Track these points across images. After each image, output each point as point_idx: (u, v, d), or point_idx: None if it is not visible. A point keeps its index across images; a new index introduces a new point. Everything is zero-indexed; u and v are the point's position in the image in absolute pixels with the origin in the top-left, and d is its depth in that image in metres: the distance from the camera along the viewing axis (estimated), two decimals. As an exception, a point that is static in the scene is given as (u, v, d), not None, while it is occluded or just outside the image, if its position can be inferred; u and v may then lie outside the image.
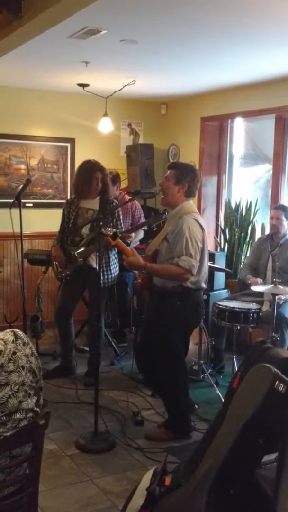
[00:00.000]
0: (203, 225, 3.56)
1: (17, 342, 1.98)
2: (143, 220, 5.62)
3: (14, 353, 1.95)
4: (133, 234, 4.60)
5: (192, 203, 3.68)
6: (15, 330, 2.04)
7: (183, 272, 3.43)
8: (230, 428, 2.23)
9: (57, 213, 5.02)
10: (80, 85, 5.74)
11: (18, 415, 1.93)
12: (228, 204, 6.15)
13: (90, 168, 4.63)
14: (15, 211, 4.47)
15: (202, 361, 4.55)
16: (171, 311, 3.54)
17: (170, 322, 3.55)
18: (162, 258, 3.57)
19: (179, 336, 3.60)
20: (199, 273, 3.53)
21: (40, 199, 6.30)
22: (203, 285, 3.63)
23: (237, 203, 6.01)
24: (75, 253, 4.52)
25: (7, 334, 1.99)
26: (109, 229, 3.73)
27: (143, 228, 5.59)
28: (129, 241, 4.57)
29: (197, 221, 3.52)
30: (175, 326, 3.56)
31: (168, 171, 3.65)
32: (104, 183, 4.64)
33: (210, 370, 4.60)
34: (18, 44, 3.90)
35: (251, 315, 4.38)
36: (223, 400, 4.11)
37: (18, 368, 1.94)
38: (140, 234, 5.62)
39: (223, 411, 2.39)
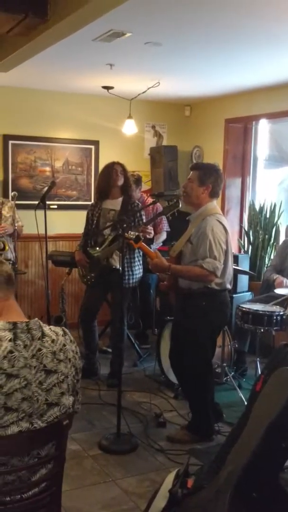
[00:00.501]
0: (226, 226, 3.55)
1: (66, 337, 2.03)
2: (164, 223, 5.62)
3: (64, 345, 1.99)
4: (151, 229, 4.59)
5: (215, 204, 3.67)
6: (63, 327, 2.09)
7: (207, 274, 3.43)
8: (253, 432, 2.22)
9: (81, 215, 5.05)
10: (104, 87, 5.78)
11: (55, 409, 1.95)
12: (252, 206, 6.12)
13: (109, 164, 4.74)
14: (40, 213, 4.53)
15: (225, 364, 4.53)
16: (197, 312, 3.54)
17: (196, 323, 3.55)
18: (186, 260, 3.57)
19: (205, 337, 3.60)
20: (224, 275, 3.52)
21: (65, 201, 6.35)
22: (228, 286, 3.62)
23: (261, 205, 5.97)
24: (97, 254, 4.55)
25: (57, 328, 2.05)
26: (131, 232, 3.73)
27: (166, 230, 5.60)
28: (148, 237, 4.55)
29: (221, 223, 3.51)
30: (201, 327, 3.56)
31: (191, 172, 3.64)
32: (125, 178, 4.67)
33: (233, 373, 4.58)
34: (44, 47, 3.94)
35: (275, 318, 4.34)
36: (246, 403, 4.10)
37: (66, 359, 1.98)
38: (163, 236, 5.62)
39: (246, 414, 2.38)
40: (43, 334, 1.94)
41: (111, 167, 4.67)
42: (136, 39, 4.03)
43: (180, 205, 3.81)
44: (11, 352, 1.85)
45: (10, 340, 1.86)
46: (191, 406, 3.81)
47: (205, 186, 3.55)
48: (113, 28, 3.79)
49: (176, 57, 4.56)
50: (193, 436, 3.69)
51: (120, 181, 4.63)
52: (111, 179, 4.63)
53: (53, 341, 1.95)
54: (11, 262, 5.42)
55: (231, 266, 3.59)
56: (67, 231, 6.18)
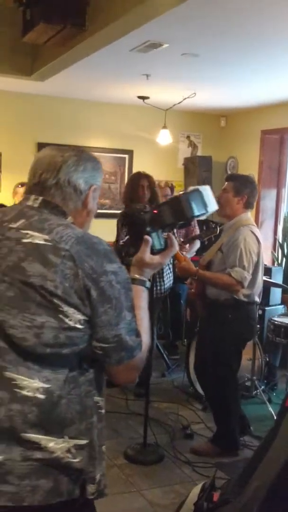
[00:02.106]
0: (259, 238, 3.51)
1: None
2: (197, 231, 5.59)
3: None
4: (187, 246, 4.57)
5: (249, 215, 3.64)
6: None
7: (234, 283, 3.38)
8: (281, 448, 2.17)
9: (113, 223, 5.07)
10: (140, 97, 5.81)
11: None
12: (286, 218, 6.05)
13: (137, 177, 4.67)
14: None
15: (255, 377, 4.46)
16: (222, 323, 3.51)
17: (221, 334, 3.52)
18: (215, 268, 3.54)
19: (230, 348, 3.55)
20: (252, 286, 3.47)
21: (98, 209, 6.37)
22: (257, 299, 3.57)
23: (296, 218, 5.91)
24: (128, 262, 4.54)
25: None
26: None
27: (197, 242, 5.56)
28: (184, 252, 4.54)
29: (254, 234, 3.47)
30: (226, 338, 3.52)
31: (226, 183, 3.62)
32: (152, 191, 4.64)
33: (263, 387, 4.51)
34: (81, 57, 3.99)
35: (307, 332, 4.28)
36: (275, 417, 4.03)
37: None
38: (197, 245, 5.59)
39: (274, 429, 2.33)
40: None
41: (137, 182, 4.51)
42: (173, 50, 4.04)
43: (218, 231, 3.78)
44: None
45: None
46: (215, 418, 3.77)
47: (240, 196, 3.51)
48: (150, 39, 3.82)
49: (213, 67, 4.55)
50: (218, 449, 3.64)
51: (147, 197, 4.50)
52: (137, 194, 4.57)
53: None
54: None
55: (261, 278, 3.54)
56: (99, 239, 6.20)
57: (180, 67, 4.57)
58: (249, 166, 6.45)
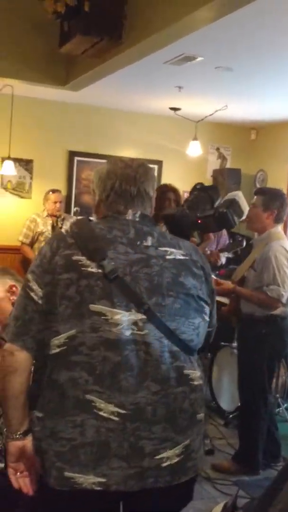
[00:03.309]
0: None
1: None
2: (227, 241, 5.56)
3: None
4: (222, 258, 4.53)
5: (280, 229, 3.61)
6: None
7: (272, 301, 3.38)
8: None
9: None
10: (172, 108, 5.82)
11: None
12: (314, 234, 5.98)
13: (164, 189, 4.63)
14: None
15: (278, 395, 4.41)
16: (256, 338, 3.49)
17: (254, 349, 3.50)
18: (250, 286, 3.53)
19: (262, 364, 3.52)
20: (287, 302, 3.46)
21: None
22: None
23: None
24: None
25: None
26: None
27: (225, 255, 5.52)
28: (218, 264, 4.49)
29: (285, 248, 3.44)
30: (259, 353, 3.49)
31: (255, 198, 3.58)
32: (177, 205, 4.61)
33: (286, 405, 4.46)
34: (116, 69, 4.02)
35: None
36: (298, 437, 3.98)
37: None
38: (222, 260, 5.56)
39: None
40: None
41: (164, 194, 4.38)
42: (207, 63, 4.05)
43: (244, 244, 3.75)
44: None
45: None
46: (240, 434, 3.73)
47: (270, 211, 3.48)
48: (184, 52, 3.83)
49: (246, 81, 4.55)
50: (237, 466, 3.60)
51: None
52: (162, 206, 4.52)
53: None
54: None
55: None
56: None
57: (213, 80, 4.57)
58: (279, 180, 6.40)
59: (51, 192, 5.59)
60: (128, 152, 6.38)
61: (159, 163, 6.51)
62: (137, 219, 1.66)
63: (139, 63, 3.92)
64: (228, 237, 5.50)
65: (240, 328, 3.74)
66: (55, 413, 1.55)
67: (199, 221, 2.08)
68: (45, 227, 5.54)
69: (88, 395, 1.53)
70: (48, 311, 1.56)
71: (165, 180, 6.44)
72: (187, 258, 1.66)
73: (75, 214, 5.60)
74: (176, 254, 1.64)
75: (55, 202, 5.54)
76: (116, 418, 1.53)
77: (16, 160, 5.79)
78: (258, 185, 6.79)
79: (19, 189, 6.01)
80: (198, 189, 2.76)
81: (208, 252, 5.16)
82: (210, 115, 5.74)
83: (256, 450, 3.61)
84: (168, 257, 1.62)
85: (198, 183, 2.95)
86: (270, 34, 3.35)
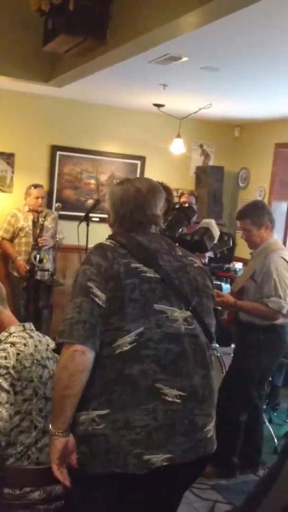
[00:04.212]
0: None
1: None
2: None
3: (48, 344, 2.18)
4: (206, 257, 4.54)
5: (276, 237, 3.62)
6: None
7: (272, 312, 3.39)
8: (285, 485, 2.14)
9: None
10: (155, 105, 5.77)
11: None
12: (296, 234, 6.01)
13: None
14: (82, 225, 4.55)
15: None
16: (253, 344, 3.51)
17: (250, 355, 3.51)
18: (251, 297, 3.53)
19: (255, 370, 3.52)
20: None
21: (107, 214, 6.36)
22: None
23: (306, 234, 5.87)
24: None
25: None
26: None
27: (208, 254, 5.54)
28: (202, 263, 4.50)
29: (285, 259, 3.44)
30: (254, 359, 3.50)
31: (240, 222, 3.59)
32: (169, 203, 4.59)
33: (264, 406, 4.49)
34: (100, 68, 3.96)
35: (313, 353, 4.23)
36: (275, 439, 4.01)
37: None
38: (206, 259, 5.57)
39: (280, 462, 2.30)
40: (42, 334, 2.19)
41: None
42: (192, 63, 4.00)
43: (231, 244, 3.74)
44: (36, 346, 2.04)
45: (30, 337, 2.06)
46: (218, 434, 3.73)
47: (264, 226, 3.50)
48: (170, 52, 3.78)
49: (231, 81, 4.51)
50: (214, 469, 3.58)
51: (164, 209, 4.48)
52: None
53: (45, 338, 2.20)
54: (49, 272, 5.46)
55: None
56: (107, 244, 6.18)
57: (198, 80, 4.53)
58: (261, 178, 6.42)
59: (32, 187, 5.52)
60: (111, 147, 6.34)
61: (142, 159, 6.47)
62: (159, 233, 1.99)
63: (124, 62, 3.87)
64: None
65: (238, 334, 3.74)
66: (128, 405, 1.74)
67: (177, 244, 2.26)
68: (25, 222, 5.48)
69: (157, 383, 1.77)
70: (112, 313, 1.76)
71: (148, 176, 6.39)
72: (201, 266, 2.01)
73: (56, 209, 5.53)
74: (197, 262, 1.99)
75: (37, 198, 5.48)
76: (178, 400, 1.78)
77: (-2, 154, 5.71)
78: (240, 183, 6.80)
79: (0, 183, 5.93)
80: (177, 209, 3.04)
81: None
82: (194, 112, 5.70)
83: (231, 453, 3.62)
84: (195, 265, 1.98)
85: (176, 203, 3.16)
86: (256, 37, 3.32)
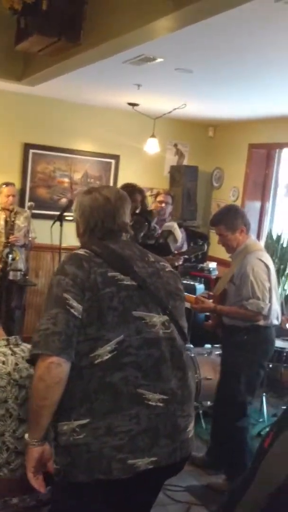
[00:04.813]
0: (268, 263, 3.47)
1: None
2: (185, 247, 5.55)
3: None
4: (180, 259, 4.53)
5: (254, 238, 3.63)
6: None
7: (252, 314, 3.40)
8: (257, 495, 2.15)
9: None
10: (130, 104, 5.75)
11: None
12: (269, 234, 6.05)
13: (130, 190, 4.55)
14: (55, 224, 4.52)
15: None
16: (237, 344, 3.51)
17: (235, 355, 3.52)
18: (231, 300, 3.52)
19: (243, 370, 3.51)
20: (269, 311, 3.45)
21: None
22: (275, 322, 3.55)
23: (279, 234, 5.91)
24: None
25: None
26: None
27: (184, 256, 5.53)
28: (175, 265, 4.48)
29: (261, 260, 3.44)
30: (240, 360, 3.50)
31: (215, 228, 3.59)
32: (142, 205, 4.58)
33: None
34: (74, 68, 3.92)
35: (285, 354, 4.29)
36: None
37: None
38: (179, 261, 5.55)
39: (252, 471, 2.32)
40: (28, 349, 2.08)
41: (131, 196, 4.33)
42: (166, 64, 3.99)
43: (205, 249, 3.76)
44: (16, 364, 1.97)
45: (11, 354, 1.98)
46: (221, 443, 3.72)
47: (238, 229, 3.49)
48: (144, 53, 3.75)
49: (205, 83, 4.52)
50: (228, 481, 3.54)
51: (137, 210, 4.42)
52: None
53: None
54: (22, 272, 5.41)
55: (275, 302, 3.51)
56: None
57: (172, 81, 4.51)
58: (235, 178, 6.45)
59: (4, 186, 5.44)
60: (85, 145, 6.29)
61: (116, 157, 6.44)
62: (129, 240, 2.02)
63: (98, 63, 3.83)
64: (187, 240, 5.48)
65: (223, 337, 3.73)
66: (110, 412, 1.76)
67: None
68: (-2, 221, 5.41)
69: (139, 389, 1.80)
70: (89, 323, 1.77)
71: (122, 175, 6.40)
72: (172, 269, 2.07)
73: (29, 208, 5.47)
74: (168, 267, 2.05)
75: (8, 196, 5.41)
76: (161, 404, 1.82)
77: None
78: (214, 183, 6.83)
79: (-28, 182, 5.82)
80: (136, 214, 3.15)
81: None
82: (169, 112, 5.70)
83: (243, 459, 3.51)
84: (166, 269, 2.02)
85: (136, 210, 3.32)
86: (231, 40, 3.32)
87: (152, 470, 1.79)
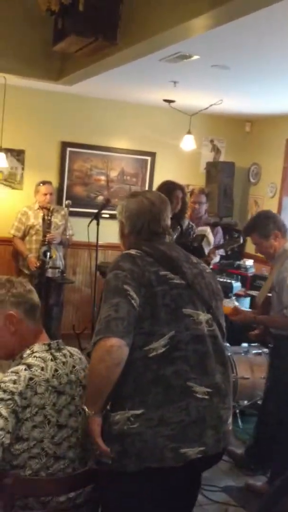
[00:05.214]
0: None
1: (83, 356, 2.13)
2: (221, 241, 5.51)
3: (86, 363, 2.07)
4: (217, 255, 4.49)
5: None
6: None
7: None
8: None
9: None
10: (166, 100, 5.73)
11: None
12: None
13: (171, 187, 4.50)
14: (92, 222, 4.56)
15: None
16: (281, 355, 3.43)
17: (282, 368, 3.43)
18: (275, 308, 3.39)
19: (285, 383, 3.40)
20: None
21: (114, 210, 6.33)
22: None
23: None
24: None
25: (75, 349, 2.14)
26: None
27: (219, 253, 5.50)
28: (210, 261, 4.44)
29: None
30: (283, 372, 3.42)
31: (251, 238, 3.50)
32: (183, 203, 4.54)
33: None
34: (110, 67, 3.93)
35: None
36: None
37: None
38: (216, 258, 5.52)
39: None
40: (71, 353, 2.06)
41: (172, 192, 4.16)
42: (203, 61, 3.97)
43: (242, 241, 3.70)
44: (56, 370, 1.95)
45: (51, 360, 1.96)
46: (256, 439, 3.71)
47: (272, 236, 3.37)
48: (180, 51, 3.74)
49: (242, 79, 4.47)
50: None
51: (178, 208, 4.27)
52: (171, 206, 4.41)
53: (80, 359, 2.09)
54: (60, 270, 5.46)
55: None
56: (116, 240, 6.11)
57: (209, 77, 4.48)
58: (272, 174, 6.37)
59: (41, 184, 5.51)
60: (121, 143, 6.31)
61: (153, 155, 6.44)
62: (172, 242, 2.16)
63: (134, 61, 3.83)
64: (223, 234, 5.46)
65: (273, 346, 3.66)
66: (162, 404, 1.86)
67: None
68: (36, 220, 5.47)
69: (188, 382, 1.90)
70: (144, 318, 1.87)
71: (158, 172, 6.39)
72: (211, 271, 2.17)
73: (66, 206, 5.52)
74: (208, 268, 2.16)
75: (45, 194, 5.46)
76: (207, 397, 1.93)
77: (8, 151, 5.70)
78: (251, 179, 6.75)
79: (11, 180, 5.93)
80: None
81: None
82: (205, 108, 5.66)
83: (258, 452, 3.61)
84: (207, 271, 2.13)
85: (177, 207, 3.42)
86: (266, 37, 3.28)
87: (199, 459, 1.90)
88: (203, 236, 3.30)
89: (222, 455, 2.07)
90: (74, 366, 2.02)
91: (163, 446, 1.84)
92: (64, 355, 2.02)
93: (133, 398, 1.87)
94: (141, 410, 1.85)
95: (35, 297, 2.06)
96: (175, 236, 3.38)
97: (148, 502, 1.91)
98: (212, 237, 3.35)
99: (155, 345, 1.87)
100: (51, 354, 1.98)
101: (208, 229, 3.50)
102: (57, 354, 2.00)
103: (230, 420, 2.03)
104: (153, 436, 1.84)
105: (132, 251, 1.99)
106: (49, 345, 2.00)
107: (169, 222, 2.16)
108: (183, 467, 1.87)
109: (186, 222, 4.45)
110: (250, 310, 3.66)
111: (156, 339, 1.88)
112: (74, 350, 2.10)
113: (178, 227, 3.55)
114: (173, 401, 1.87)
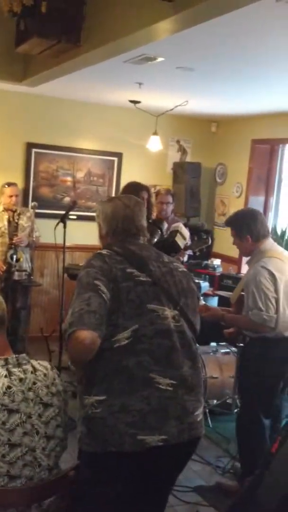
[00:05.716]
0: (273, 271, 3.21)
1: (54, 371, 2.07)
2: (189, 243, 5.52)
3: (54, 379, 2.03)
4: (185, 255, 4.50)
5: (267, 243, 3.36)
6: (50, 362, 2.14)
7: (257, 326, 3.23)
8: (268, 498, 2.16)
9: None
10: (132, 101, 5.72)
11: (52, 442, 1.95)
12: (274, 229, 6.02)
13: (137, 188, 4.50)
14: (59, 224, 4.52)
15: (236, 396, 4.47)
16: (249, 358, 3.44)
17: (248, 369, 3.46)
18: (245, 309, 3.35)
19: (254, 384, 3.36)
20: (277, 323, 3.22)
21: (84, 212, 6.25)
22: (286, 334, 3.29)
23: (283, 229, 5.89)
24: None
25: (45, 362, 2.08)
26: None
27: (187, 253, 5.51)
28: (181, 261, 4.45)
29: (265, 268, 3.22)
30: (250, 375, 3.41)
31: (230, 229, 3.50)
32: (148, 203, 4.54)
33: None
34: (75, 69, 3.90)
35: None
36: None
37: (58, 393, 2.03)
38: (184, 258, 5.53)
39: (260, 476, 2.32)
40: (35, 368, 1.99)
41: (137, 194, 3.87)
42: (167, 63, 3.96)
43: (210, 242, 3.75)
44: (9, 387, 1.87)
45: (5, 376, 1.89)
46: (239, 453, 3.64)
47: (244, 238, 3.35)
48: (145, 53, 3.73)
49: (206, 80, 4.49)
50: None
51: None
52: None
53: (45, 375, 2.00)
54: (27, 272, 5.41)
55: (284, 311, 3.25)
56: (84, 242, 6.12)
57: (174, 79, 4.49)
58: (238, 174, 6.43)
59: (6, 186, 5.43)
60: (87, 144, 6.27)
61: (119, 155, 6.42)
62: (146, 242, 2.27)
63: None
64: (191, 235, 5.45)
65: (242, 347, 3.70)
66: (124, 392, 1.97)
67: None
68: (1, 222, 5.39)
69: (151, 373, 2.00)
70: (112, 311, 1.98)
71: (125, 173, 6.38)
72: (184, 269, 2.27)
73: (32, 208, 5.46)
74: (181, 267, 2.27)
75: (11, 196, 5.38)
76: (170, 388, 2.03)
77: (-29, 152, 5.61)
78: (218, 179, 6.80)
79: (-25, 182, 5.82)
80: (149, 223, 3.24)
81: None
82: (171, 109, 5.67)
83: (245, 459, 3.48)
84: (179, 269, 2.23)
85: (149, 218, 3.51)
86: (231, 40, 3.29)
87: (162, 448, 1.98)
88: (176, 232, 3.43)
89: (190, 447, 2.15)
90: (35, 383, 1.94)
91: (123, 432, 1.95)
92: (24, 371, 1.93)
93: (100, 385, 1.99)
94: (104, 396, 1.97)
95: (1, 310, 2.00)
96: (155, 240, 3.52)
97: (118, 483, 2.03)
98: (186, 231, 3.60)
99: (119, 336, 1.99)
100: (7, 369, 1.90)
101: (180, 224, 3.64)
102: (15, 370, 1.91)
103: (198, 412, 2.10)
104: (115, 422, 1.96)
105: (104, 251, 2.13)
106: (6, 360, 1.93)
107: (144, 223, 2.27)
108: (146, 454, 1.97)
109: (165, 225, 4.46)
110: (219, 307, 3.69)
111: (121, 332, 2.00)
112: (41, 365, 2.02)
113: (158, 230, 3.67)
114: (135, 390, 1.98)
